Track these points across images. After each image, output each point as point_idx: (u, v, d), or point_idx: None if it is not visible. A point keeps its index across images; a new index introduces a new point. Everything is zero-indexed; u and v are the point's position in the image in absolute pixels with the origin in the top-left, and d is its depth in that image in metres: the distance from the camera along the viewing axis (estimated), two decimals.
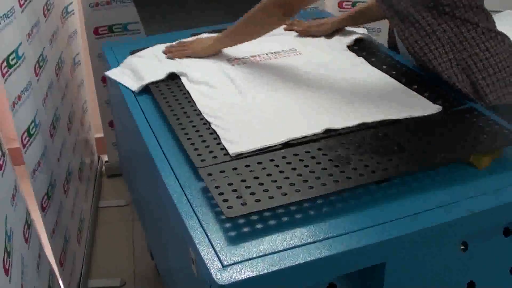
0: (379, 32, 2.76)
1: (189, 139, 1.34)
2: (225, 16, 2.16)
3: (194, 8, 2.19)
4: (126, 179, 2.20)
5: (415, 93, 1.51)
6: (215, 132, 1.36)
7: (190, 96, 1.54)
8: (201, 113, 1.45)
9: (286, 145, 1.30)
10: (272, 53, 1.77)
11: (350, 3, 2.78)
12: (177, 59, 1.74)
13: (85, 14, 2.58)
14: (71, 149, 2.35)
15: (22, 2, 1.81)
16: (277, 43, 1.85)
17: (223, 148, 1.29)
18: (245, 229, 1.09)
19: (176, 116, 1.45)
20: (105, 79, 2.65)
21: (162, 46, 1.84)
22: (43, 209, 1.80)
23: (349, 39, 1.87)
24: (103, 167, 2.99)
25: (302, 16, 2.14)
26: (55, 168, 2.00)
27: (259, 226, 1.10)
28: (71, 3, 2.60)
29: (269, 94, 1.54)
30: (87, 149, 2.75)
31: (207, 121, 1.41)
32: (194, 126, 1.39)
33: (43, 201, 1.81)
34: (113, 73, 1.76)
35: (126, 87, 1.68)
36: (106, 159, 2.98)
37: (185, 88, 1.59)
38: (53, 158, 2.00)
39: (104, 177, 2.96)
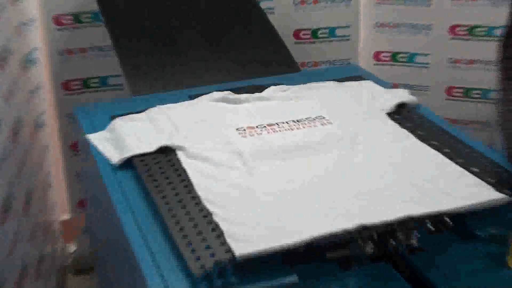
0: (426, 90, 2.79)
1: (184, 236, 1.31)
2: (231, 73, 2.18)
3: (193, 63, 2.22)
4: (100, 276, 2.18)
5: (475, 177, 1.50)
6: (218, 226, 1.34)
7: (187, 176, 1.53)
8: (200, 201, 1.43)
9: (308, 246, 1.28)
10: (293, 121, 1.77)
11: (389, 54, 2.82)
12: (174, 126, 1.75)
13: (52, 64, 2.61)
14: (28, 237, 2.33)
15: None
16: (301, 108, 1.85)
17: (229, 250, 1.26)
18: None
19: (168, 204, 1.43)
20: (76, 146, 2.66)
21: (161, 109, 1.86)
22: None
23: (390, 105, 1.87)
24: (69, 260, 2.96)
25: (329, 73, 2.16)
26: (5, 262, 1.98)
27: None
28: (35, 49, 2.63)
29: (287, 176, 1.52)
30: (49, 235, 2.73)
31: (207, 211, 1.39)
32: (191, 219, 1.37)
33: None
34: (94, 137, 1.78)
35: (104, 158, 1.69)
36: (74, 248, 2.95)
37: (181, 166, 1.58)
38: (4, 249, 1.98)
39: (70, 274, 2.92)
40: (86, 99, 2.65)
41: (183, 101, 1.93)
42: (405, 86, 2.70)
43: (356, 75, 2.13)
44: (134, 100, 2.05)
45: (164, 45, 2.26)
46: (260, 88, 1.98)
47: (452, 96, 2.76)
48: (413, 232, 1.32)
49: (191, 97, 1.95)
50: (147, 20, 2.33)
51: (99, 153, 1.72)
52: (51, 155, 2.83)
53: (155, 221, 1.41)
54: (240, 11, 2.48)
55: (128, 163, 1.64)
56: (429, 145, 1.66)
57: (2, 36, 2.19)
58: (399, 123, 1.78)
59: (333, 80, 2.07)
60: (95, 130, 1.86)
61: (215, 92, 1.94)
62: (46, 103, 2.75)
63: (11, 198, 2.10)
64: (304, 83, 2.04)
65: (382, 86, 2.01)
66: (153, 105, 1.90)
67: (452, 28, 2.68)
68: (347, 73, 2.17)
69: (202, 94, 1.95)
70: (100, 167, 1.67)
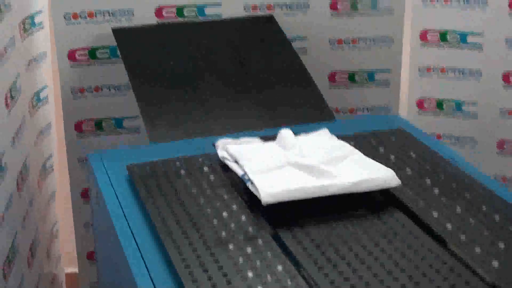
0: (474, 143, 2.79)
1: None
2: (258, 120, 2.21)
3: (217, 109, 2.26)
4: None
5: None
6: None
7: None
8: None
9: None
10: None
11: (434, 101, 2.83)
12: None
13: (64, 103, 2.65)
14: None
15: None
16: None
17: None
18: None
19: (184, 261, 1.47)
20: (86, 193, 2.69)
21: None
22: None
23: None
24: None
25: (365, 124, 2.19)
26: None
27: None
28: (44, 87, 2.68)
29: None
30: None
31: None
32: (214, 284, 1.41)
33: None
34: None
35: (116, 206, 1.75)
36: None
37: None
38: None
39: None
40: (98, 142, 2.69)
41: (206, 150, 1.98)
42: (450, 138, 2.75)
43: (395, 128, 2.15)
44: (152, 147, 2.09)
45: (187, 89, 2.30)
46: None
47: (504, 151, 2.74)
48: None
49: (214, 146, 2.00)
50: (169, 61, 2.37)
51: (112, 202, 1.78)
52: (58, 203, 2.87)
53: (172, 279, 1.45)
54: (268, 51, 2.52)
55: (144, 212, 1.70)
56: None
57: (12, 73, 2.25)
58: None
59: (371, 131, 2.10)
60: (109, 179, 1.91)
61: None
62: (54, 145, 2.80)
63: (15, 250, 2.14)
64: (337, 133, 2.07)
65: (424, 141, 2.05)
66: (173, 154, 1.94)
67: (506, 76, 2.68)
68: (386, 124, 2.19)
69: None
70: (113, 218, 1.71)
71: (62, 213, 2.91)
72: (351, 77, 2.80)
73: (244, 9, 2.66)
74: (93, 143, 2.68)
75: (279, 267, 1.44)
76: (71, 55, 2.61)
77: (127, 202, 1.79)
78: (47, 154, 2.71)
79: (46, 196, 2.68)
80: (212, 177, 1.83)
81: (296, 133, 2.00)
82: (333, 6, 2.72)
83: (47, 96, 2.70)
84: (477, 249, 1.50)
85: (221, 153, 1.91)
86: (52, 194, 2.78)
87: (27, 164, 2.36)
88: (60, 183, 2.86)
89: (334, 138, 1.98)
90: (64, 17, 2.55)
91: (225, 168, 1.89)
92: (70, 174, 2.74)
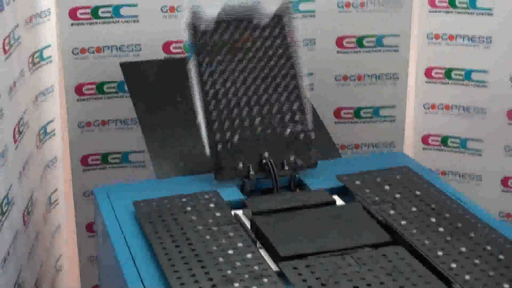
0: (479, 180, 2.79)
1: None
2: None
3: None
4: None
5: None
6: None
7: None
8: None
9: None
10: None
11: (438, 138, 2.83)
12: None
13: (71, 137, 2.66)
14: None
15: None
16: None
17: None
18: None
19: None
20: (91, 227, 2.69)
21: None
22: None
23: None
24: None
25: (370, 162, 2.19)
26: None
27: None
28: (52, 120, 2.69)
29: None
30: None
31: None
32: None
33: None
34: None
35: (121, 242, 1.75)
36: None
37: None
38: None
39: None
40: (104, 175, 2.71)
41: (212, 187, 1.98)
42: (454, 174, 2.74)
43: (400, 166, 2.16)
44: (158, 182, 2.09)
45: (194, 124, 2.30)
46: None
47: (508, 187, 2.72)
48: None
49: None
50: (176, 95, 2.37)
51: (118, 237, 1.78)
52: (63, 236, 2.86)
53: None
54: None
55: (150, 249, 1.70)
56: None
57: (21, 107, 2.26)
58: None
59: (376, 169, 2.10)
60: (115, 213, 1.91)
61: None
62: (60, 179, 2.79)
63: (20, 284, 2.13)
64: (343, 172, 2.08)
65: (429, 179, 2.05)
66: (179, 189, 1.95)
67: (510, 113, 2.68)
68: (391, 162, 2.20)
69: None
70: (118, 253, 1.72)
71: (68, 247, 2.89)
72: (357, 113, 2.81)
73: None
74: (99, 176, 2.69)
75: None
76: (79, 89, 2.63)
77: (133, 237, 1.80)
78: (53, 188, 2.70)
79: (51, 229, 2.67)
80: (218, 214, 1.84)
81: None
82: (339, 43, 2.73)
83: (54, 130, 2.70)
84: None
85: None
86: (57, 228, 2.77)
87: (33, 198, 2.36)
88: (65, 216, 2.86)
89: None
90: (73, 52, 2.57)
91: (231, 205, 1.91)
92: (76, 207, 2.74)
